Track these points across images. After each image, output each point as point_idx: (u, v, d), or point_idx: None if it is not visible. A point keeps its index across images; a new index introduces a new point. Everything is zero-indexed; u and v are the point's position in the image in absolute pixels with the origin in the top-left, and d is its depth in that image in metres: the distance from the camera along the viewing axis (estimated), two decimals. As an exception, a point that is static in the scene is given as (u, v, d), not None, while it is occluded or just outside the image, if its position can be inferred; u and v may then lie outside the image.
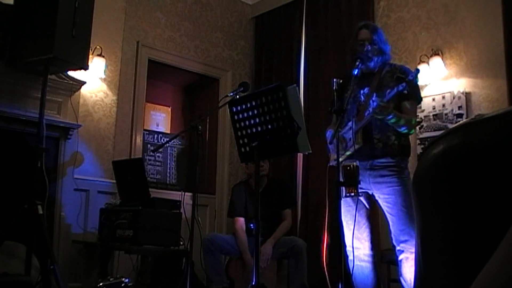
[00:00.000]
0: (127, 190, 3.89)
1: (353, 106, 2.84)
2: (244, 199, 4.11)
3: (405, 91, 2.64)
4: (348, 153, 2.77)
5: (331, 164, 2.91)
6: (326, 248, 2.81)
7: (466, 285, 0.49)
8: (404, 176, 2.77)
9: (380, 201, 2.81)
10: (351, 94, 2.80)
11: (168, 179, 5.58)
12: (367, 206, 2.90)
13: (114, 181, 4.14)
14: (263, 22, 5.72)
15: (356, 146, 2.74)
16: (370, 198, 2.88)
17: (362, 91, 2.91)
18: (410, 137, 2.96)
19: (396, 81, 2.71)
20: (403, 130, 2.77)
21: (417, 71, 2.69)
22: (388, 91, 2.69)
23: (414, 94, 2.81)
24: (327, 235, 2.80)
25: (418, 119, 2.82)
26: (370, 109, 2.66)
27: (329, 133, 2.98)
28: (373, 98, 2.78)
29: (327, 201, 2.75)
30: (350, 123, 2.78)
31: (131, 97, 4.76)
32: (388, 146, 2.78)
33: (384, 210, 2.80)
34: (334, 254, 2.77)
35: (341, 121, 2.68)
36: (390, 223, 2.76)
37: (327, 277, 2.75)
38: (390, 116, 2.67)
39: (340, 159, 2.61)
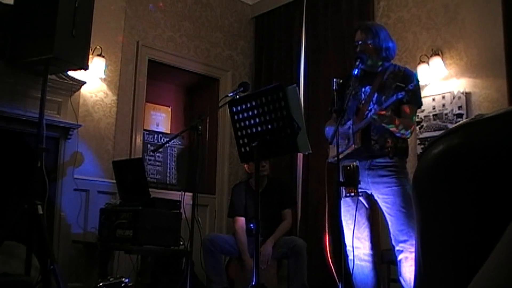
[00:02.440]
0: (127, 190, 3.89)
1: (353, 104, 2.84)
2: (244, 199, 4.11)
3: (404, 100, 2.66)
4: (347, 151, 2.77)
5: (330, 160, 2.91)
6: (328, 244, 2.81)
7: (466, 285, 0.49)
8: (402, 176, 2.77)
9: (379, 201, 2.82)
10: (352, 91, 2.82)
11: (168, 179, 5.58)
12: (367, 206, 2.90)
13: (114, 181, 4.14)
14: (263, 22, 5.72)
15: (355, 147, 2.75)
16: (370, 198, 2.89)
17: (363, 89, 2.91)
18: (410, 137, 2.97)
19: (395, 90, 2.73)
20: (399, 135, 2.79)
21: (417, 81, 2.76)
22: (383, 98, 2.73)
23: (414, 99, 2.82)
24: (328, 231, 2.80)
25: (411, 130, 2.83)
26: (369, 115, 2.68)
27: (328, 129, 2.99)
28: (373, 99, 2.78)
29: (326, 197, 2.75)
30: (349, 123, 2.79)
31: (131, 97, 4.76)
32: (384, 148, 2.79)
33: (383, 210, 2.81)
34: (334, 254, 2.77)
35: (341, 120, 2.69)
36: (389, 223, 2.77)
37: (333, 271, 2.74)
38: (387, 124, 2.70)
39: (339, 157, 2.62)
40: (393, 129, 2.74)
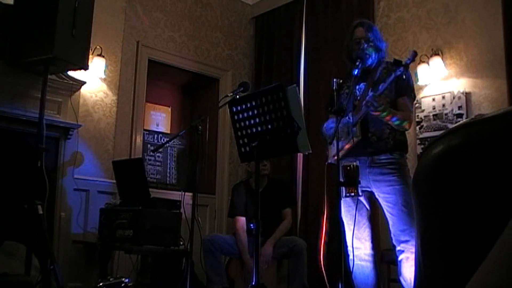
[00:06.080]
0: (127, 190, 3.89)
1: (350, 102, 2.83)
2: (244, 199, 4.11)
3: (404, 76, 2.63)
4: (347, 146, 2.76)
5: (330, 161, 2.90)
6: (323, 247, 2.80)
7: (466, 285, 0.49)
8: (404, 174, 2.75)
9: (380, 200, 2.80)
10: (345, 90, 2.82)
11: (168, 179, 5.58)
12: (368, 206, 2.89)
13: (114, 181, 4.13)
14: (263, 22, 5.72)
15: (355, 140, 2.73)
16: (371, 198, 2.87)
17: (357, 87, 2.91)
18: (410, 136, 2.96)
19: (393, 65, 2.68)
20: (397, 126, 2.77)
21: (414, 53, 2.68)
22: (383, 84, 2.70)
23: (409, 88, 2.84)
24: (325, 234, 2.79)
25: (410, 121, 2.81)
26: (364, 103, 2.67)
27: (325, 126, 2.98)
28: (369, 93, 2.78)
29: (325, 199, 2.74)
30: (347, 118, 2.78)
31: (131, 97, 4.76)
32: (382, 140, 2.77)
33: (384, 210, 2.79)
34: (333, 254, 2.76)
35: (341, 120, 2.68)
36: (390, 223, 2.75)
37: (325, 276, 2.75)
38: (383, 112, 2.66)
39: (340, 154, 2.61)
40: (388, 117, 2.69)
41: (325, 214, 2.72)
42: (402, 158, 2.82)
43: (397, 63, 2.62)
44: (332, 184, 2.66)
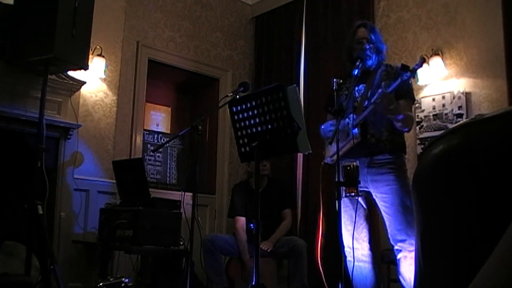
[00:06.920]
0: (127, 190, 3.89)
1: (349, 103, 2.84)
2: (244, 199, 4.11)
3: (410, 81, 2.64)
4: (346, 147, 2.76)
5: (326, 161, 2.90)
6: (320, 247, 2.81)
7: (466, 285, 0.49)
8: (402, 174, 2.77)
9: (377, 200, 2.81)
10: (344, 91, 2.83)
11: (168, 179, 5.58)
12: (365, 206, 2.90)
13: (114, 181, 4.13)
14: (263, 22, 5.72)
15: (355, 141, 2.73)
16: (368, 198, 2.88)
17: (357, 88, 2.91)
18: (410, 136, 2.97)
19: (401, 70, 2.67)
20: (400, 126, 2.77)
21: (422, 59, 2.69)
22: (390, 83, 2.68)
23: (410, 91, 2.84)
24: (321, 234, 2.80)
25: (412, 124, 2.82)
26: (372, 101, 2.65)
27: (324, 127, 2.96)
28: (368, 96, 2.78)
29: (321, 199, 2.74)
30: (347, 120, 2.78)
31: (131, 97, 4.76)
32: (380, 141, 2.78)
33: (381, 210, 2.80)
34: (330, 254, 2.76)
35: (341, 120, 2.68)
36: (387, 222, 2.76)
37: (323, 276, 2.75)
38: (390, 109, 2.65)
39: (340, 153, 2.61)
40: (395, 114, 2.68)
41: (321, 215, 2.73)
42: (400, 158, 2.83)
43: (404, 68, 2.63)
44: (330, 184, 2.66)
